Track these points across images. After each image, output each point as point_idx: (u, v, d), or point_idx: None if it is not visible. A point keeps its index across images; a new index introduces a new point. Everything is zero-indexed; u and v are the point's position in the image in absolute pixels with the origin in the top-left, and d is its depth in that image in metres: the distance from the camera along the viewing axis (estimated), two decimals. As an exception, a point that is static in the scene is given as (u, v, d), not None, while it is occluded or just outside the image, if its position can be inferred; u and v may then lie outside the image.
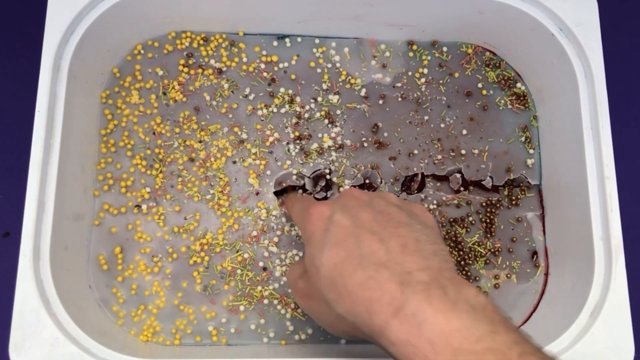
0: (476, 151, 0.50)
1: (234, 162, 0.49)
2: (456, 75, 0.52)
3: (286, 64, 0.51)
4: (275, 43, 0.51)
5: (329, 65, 0.51)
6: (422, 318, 0.28)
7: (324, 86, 0.51)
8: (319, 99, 0.50)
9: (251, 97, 0.50)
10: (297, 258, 0.47)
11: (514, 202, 0.50)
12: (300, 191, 0.49)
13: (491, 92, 0.52)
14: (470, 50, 0.52)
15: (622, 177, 0.44)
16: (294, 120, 0.50)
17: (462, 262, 0.48)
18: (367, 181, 0.50)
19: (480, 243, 0.49)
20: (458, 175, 0.50)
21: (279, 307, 0.46)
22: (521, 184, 0.51)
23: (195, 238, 0.47)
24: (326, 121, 0.50)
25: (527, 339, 0.29)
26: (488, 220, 0.49)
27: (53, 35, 0.43)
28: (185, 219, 0.48)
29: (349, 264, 0.32)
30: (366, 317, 0.30)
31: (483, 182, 0.50)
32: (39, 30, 0.43)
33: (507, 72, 0.52)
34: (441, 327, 0.28)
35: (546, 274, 0.49)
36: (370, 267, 0.31)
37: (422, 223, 0.35)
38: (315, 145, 0.49)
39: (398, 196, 0.49)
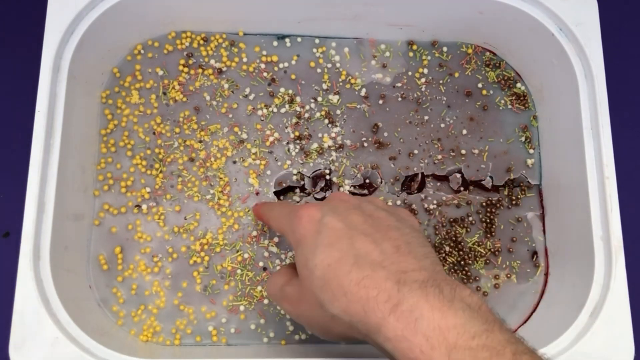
0: (476, 151, 0.50)
1: (234, 162, 0.49)
2: (456, 75, 0.52)
3: (286, 64, 0.51)
4: (275, 43, 0.51)
5: (329, 65, 0.51)
6: (419, 314, 0.29)
7: (324, 86, 0.51)
8: (319, 99, 0.50)
9: (251, 97, 0.50)
10: (297, 258, 0.47)
11: (514, 202, 0.50)
12: (297, 190, 0.49)
13: (491, 92, 0.52)
14: (470, 50, 0.52)
15: (622, 177, 0.44)
16: (294, 120, 0.50)
17: (462, 262, 0.48)
18: (367, 181, 0.50)
19: (480, 243, 0.49)
20: (458, 175, 0.50)
21: (279, 307, 0.46)
22: (521, 184, 0.51)
23: (195, 238, 0.47)
24: (326, 121, 0.50)
25: (519, 339, 0.29)
26: (488, 220, 0.49)
27: (53, 35, 0.43)
28: (185, 219, 0.48)
29: (343, 265, 0.32)
30: (362, 316, 0.30)
31: (483, 182, 0.50)
32: (39, 30, 0.43)
33: (507, 72, 0.52)
34: (437, 323, 0.28)
35: (546, 274, 0.49)
36: (365, 266, 0.31)
37: (410, 227, 0.36)
38: (315, 145, 0.49)
39: (398, 196, 0.49)
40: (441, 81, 0.52)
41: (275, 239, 0.48)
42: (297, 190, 0.49)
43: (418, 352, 0.28)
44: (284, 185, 0.49)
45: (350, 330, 0.32)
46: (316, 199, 0.49)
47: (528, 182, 0.51)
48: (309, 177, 0.49)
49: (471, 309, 0.29)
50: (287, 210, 0.39)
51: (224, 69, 0.50)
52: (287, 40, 0.51)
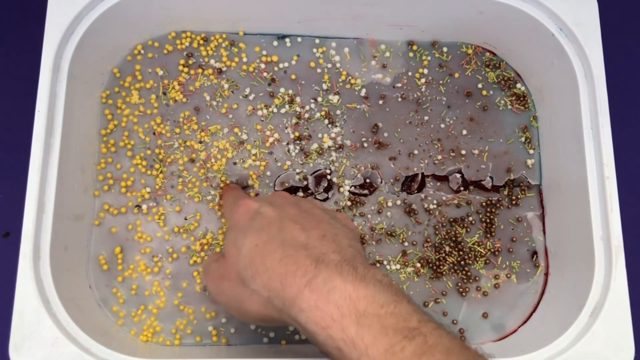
0: (476, 151, 0.50)
1: (235, 164, 0.49)
2: (456, 75, 0.52)
3: (286, 64, 0.51)
4: (275, 43, 0.51)
5: (329, 65, 0.51)
6: (332, 285, 0.31)
7: (324, 86, 0.51)
8: (319, 99, 0.50)
9: (251, 97, 0.50)
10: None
11: (514, 202, 0.50)
12: (301, 191, 0.49)
13: (491, 92, 0.52)
14: (470, 51, 0.52)
15: (622, 177, 0.44)
16: (294, 121, 0.50)
17: (462, 262, 0.48)
18: (367, 181, 0.50)
19: (480, 243, 0.49)
20: (458, 175, 0.50)
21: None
22: (521, 184, 0.51)
23: (195, 238, 0.47)
24: (326, 121, 0.50)
25: (426, 312, 0.32)
26: (488, 220, 0.49)
27: (53, 35, 0.43)
28: (186, 219, 0.48)
29: (270, 245, 0.34)
30: (280, 290, 0.32)
31: (483, 182, 0.50)
32: (39, 30, 0.43)
33: (507, 72, 0.52)
34: (349, 294, 0.30)
35: (546, 274, 0.49)
36: (289, 248, 0.33)
37: (344, 225, 0.38)
38: (315, 146, 0.49)
39: (398, 196, 0.49)
40: (441, 81, 0.52)
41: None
42: (300, 190, 0.49)
43: (330, 319, 0.30)
44: (287, 185, 0.49)
45: (266, 308, 0.34)
46: (317, 199, 0.49)
47: (528, 182, 0.51)
48: (311, 175, 0.49)
49: (382, 284, 0.31)
50: (233, 200, 0.41)
51: (224, 69, 0.50)
52: (287, 40, 0.51)
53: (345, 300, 0.30)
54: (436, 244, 0.49)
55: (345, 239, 0.36)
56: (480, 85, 0.52)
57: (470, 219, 0.49)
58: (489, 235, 0.49)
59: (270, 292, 0.33)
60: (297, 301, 0.31)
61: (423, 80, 0.51)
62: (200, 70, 0.50)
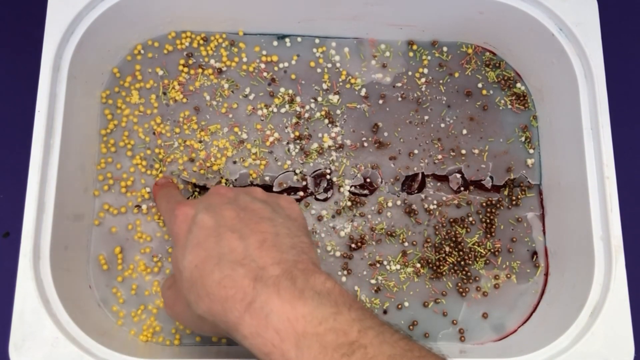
0: (476, 151, 0.50)
1: (234, 163, 0.49)
2: (456, 75, 0.52)
3: (286, 64, 0.51)
4: (275, 43, 0.51)
5: (329, 65, 0.51)
6: (269, 309, 0.30)
7: (324, 86, 0.51)
8: (319, 98, 0.50)
9: (251, 97, 0.50)
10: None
11: (514, 202, 0.50)
12: (301, 193, 0.49)
13: (491, 92, 0.52)
14: (470, 50, 0.52)
15: (622, 177, 0.44)
16: (294, 120, 0.50)
17: (462, 262, 0.48)
18: (367, 181, 0.50)
19: (480, 243, 0.49)
20: (458, 175, 0.50)
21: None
22: (521, 184, 0.51)
23: (195, 238, 0.47)
24: (326, 121, 0.50)
25: (369, 315, 0.31)
26: (488, 221, 0.49)
27: (53, 35, 0.43)
28: (185, 219, 0.47)
29: (208, 264, 0.33)
30: (223, 315, 0.31)
31: (483, 182, 0.50)
32: (39, 30, 0.43)
33: (507, 72, 0.52)
34: (287, 315, 0.29)
35: (546, 274, 0.49)
36: (227, 265, 0.32)
37: (286, 216, 0.36)
38: (315, 145, 0.49)
39: (398, 196, 0.49)
40: (441, 81, 0.52)
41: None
42: (301, 192, 0.49)
43: (270, 346, 0.29)
44: (284, 186, 0.49)
45: (217, 329, 0.33)
46: (318, 199, 0.49)
47: (528, 182, 0.51)
48: (310, 176, 0.49)
49: (320, 295, 0.30)
50: (169, 207, 0.40)
51: (224, 69, 0.50)
52: (287, 40, 0.51)
53: (283, 323, 0.29)
54: (436, 244, 0.49)
55: (287, 238, 0.34)
56: (480, 85, 0.52)
57: (470, 219, 0.49)
58: (489, 236, 0.49)
59: (215, 317, 0.32)
60: (240, 328, 0.31)
61: (423, 79, 0.51)
62: (200, 70, 0.50)
